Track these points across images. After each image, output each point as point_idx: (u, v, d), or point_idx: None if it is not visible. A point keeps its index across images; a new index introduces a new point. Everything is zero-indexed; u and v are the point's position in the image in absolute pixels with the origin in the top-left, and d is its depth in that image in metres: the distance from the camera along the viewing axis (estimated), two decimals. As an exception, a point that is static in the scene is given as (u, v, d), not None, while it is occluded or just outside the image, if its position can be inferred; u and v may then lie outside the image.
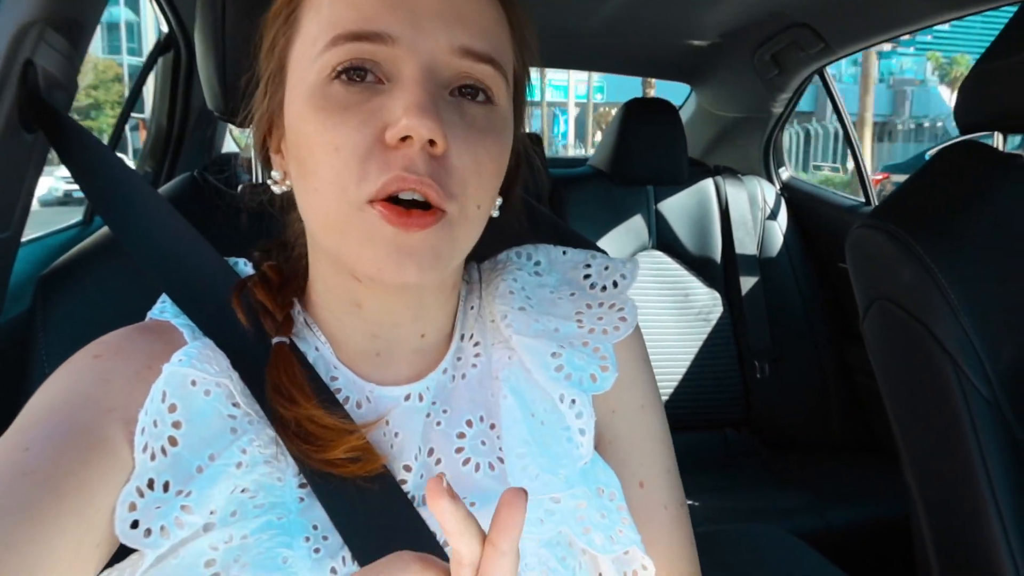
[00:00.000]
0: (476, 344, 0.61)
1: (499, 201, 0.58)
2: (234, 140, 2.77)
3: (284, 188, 0.57)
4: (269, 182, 0.58)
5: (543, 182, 2.02)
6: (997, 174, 0.91)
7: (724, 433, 2.10)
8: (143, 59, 1.89)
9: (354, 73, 0.48)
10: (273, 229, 0.64)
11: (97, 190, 0.67)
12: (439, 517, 0.34)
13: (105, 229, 0.76)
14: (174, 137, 1.84)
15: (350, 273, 0.53)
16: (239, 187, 0.83)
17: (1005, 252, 0.86)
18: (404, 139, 0.46)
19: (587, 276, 0.65)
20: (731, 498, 1.76)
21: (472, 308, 0.63)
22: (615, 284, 0.64)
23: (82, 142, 0.69)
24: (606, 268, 0.65)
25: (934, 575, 0.91)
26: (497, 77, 0.50)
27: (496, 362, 0.60)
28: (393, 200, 0.47)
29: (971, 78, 0.94)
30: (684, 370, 2.09)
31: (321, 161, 0.48)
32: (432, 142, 0.46)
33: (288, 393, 0.52)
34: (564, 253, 0.67)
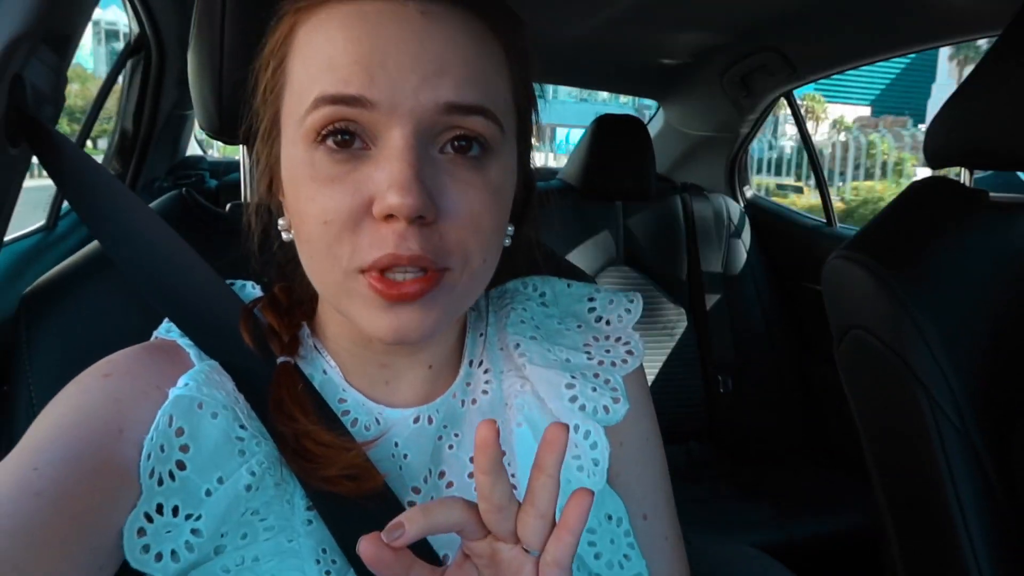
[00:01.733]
0: (486, 371, 0.62)
1: (511, 229, 0.57)
2: (198, 143, 2.72)
3: (291, 236, 0.56)
4: (279, 227, 0.57)
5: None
6: (965, 210, 0.95)
7: (688, 445, 2.14)
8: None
9: (340, 137, 0.46)
10: (260, 249, 0.63)
11: (88, 207, 0.65)
12: (479, 455, 0.41)
13: (91, 245, 0.74)
14: (141, 139, 1.80)
15: None
16: (227, 206, 0.82)
17: (972, 284, 0.91)
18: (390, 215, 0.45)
19: (592, 309, 0.66)
20: (696, 511, 1.79)
21: (481, 335, 0.63)
22: (619, 318, 0.65)
23: (71, 157, 0.67)
24: (610, 302, 0.66)
25: (902, 591, 0.95)
26: (489, 125, 0.48)
27: (508, 390, 0.60)
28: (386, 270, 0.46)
29: (939, 118, 0.98)
30: (649, 383, 2.11)
31: (312, 232, 0.47)
32: (421, 215, 0.45)
33: (288, 410, 0.52)
34: (568, 286, 0.68)
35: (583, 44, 1.99)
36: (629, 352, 0.63)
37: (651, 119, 2.68)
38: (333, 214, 0.46)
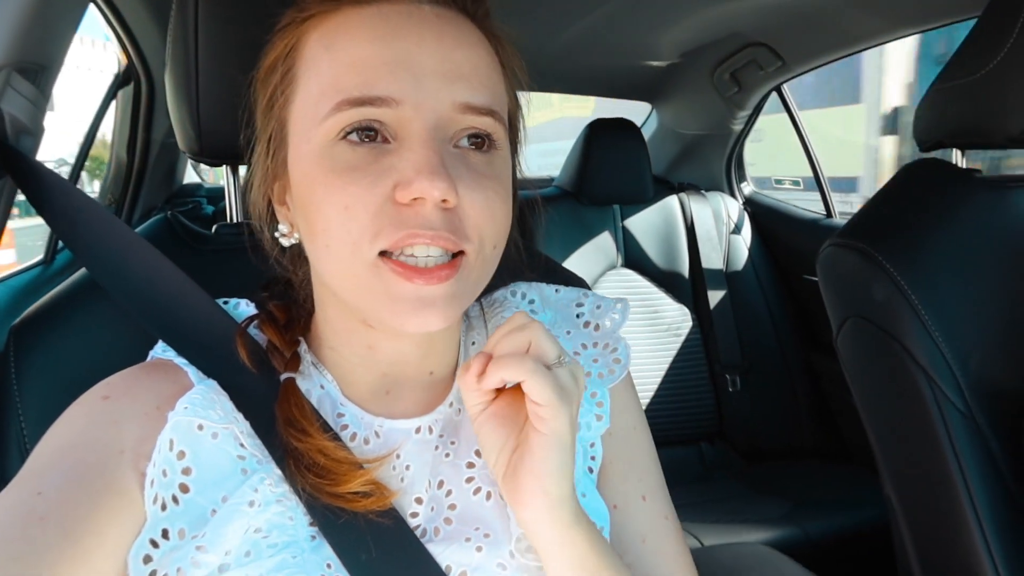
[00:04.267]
0: None
1: None
2: (195, 170, 2.73)
3: (293, 240, 0.58)
4: (277, 235, 0.58)
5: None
6: (958, 189, 0.94)
7: (699, 447, 2.12)
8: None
9: (362, 133, 0.48)
10: (249, 269, 0.63)
11: (74, 236, 0.65)
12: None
13: (79, 273, 0.74)
14: (135, 169, 1.81)
15: (363, 321, 0.54)
16: (213, 227, 0.82)
17: (968, 264, 0.89)
18: (416, 198, 0.47)
19: (579, 315, 0.67)
20: (711, 513, 1.77)
21: (474, 343, 0.64)
22: (608, 322, 0.66)
23: (53, 187, 0.67)
24: (598, 307, 0.67)
25: (916, 583, 0.93)
26: (497, 125, 0.52)
27: None
28: (405, 255, 0.48)
29: (927, 99, 0.97)
30: (657, 386, 2.11)
31: (332, 220, 0.48)
32: (444, 199, 0.47)
33: (300, 426, 0.52)
34: (556, 291, 0.69)
35: (569, 49, 1.99)
36: (616, 360, 0.64)
37: (645, 122, 2.68)
38: (354, 199, 0.47)
